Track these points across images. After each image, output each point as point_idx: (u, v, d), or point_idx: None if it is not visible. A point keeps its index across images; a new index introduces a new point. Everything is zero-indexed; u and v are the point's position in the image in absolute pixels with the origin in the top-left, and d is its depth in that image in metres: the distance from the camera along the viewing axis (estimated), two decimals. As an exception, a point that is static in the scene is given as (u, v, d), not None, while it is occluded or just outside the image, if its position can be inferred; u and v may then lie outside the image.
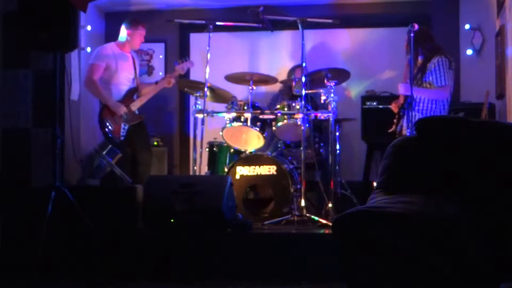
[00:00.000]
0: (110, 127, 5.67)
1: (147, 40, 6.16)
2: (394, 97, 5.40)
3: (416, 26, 4.90)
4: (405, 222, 2.32)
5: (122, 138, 5.72)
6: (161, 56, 7.36)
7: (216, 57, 6.06)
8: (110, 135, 5.66)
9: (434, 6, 6.95)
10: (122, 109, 5.70)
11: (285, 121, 5.51)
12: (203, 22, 5.84)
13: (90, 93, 5.91)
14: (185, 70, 6.14)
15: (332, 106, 5.42)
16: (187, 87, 5.96)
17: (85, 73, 5.79)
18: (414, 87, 4.93)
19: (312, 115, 5.51)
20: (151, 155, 6.05)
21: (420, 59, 5.16)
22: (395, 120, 5.27)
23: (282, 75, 6.68)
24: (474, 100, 6.03)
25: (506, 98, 5.43)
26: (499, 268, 2.30)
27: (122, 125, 5.72)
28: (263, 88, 6.76)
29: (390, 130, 5.31)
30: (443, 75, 5.04)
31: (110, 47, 5.86)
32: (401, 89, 5.16)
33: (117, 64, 5.75)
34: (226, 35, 6.94)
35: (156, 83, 6.10)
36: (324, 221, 4.99)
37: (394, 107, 5.34)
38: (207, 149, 5.90)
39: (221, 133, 5.62)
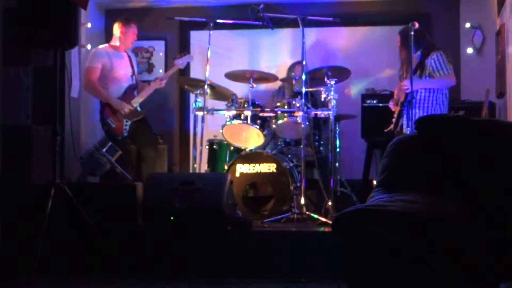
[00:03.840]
0: (112, 125, 5.69)
1: (147, 37, 6.14)
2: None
3: (417, 25, 4.90)
4: (405, 221, 2.32)
5: (125, 134, 5.74)
6: (161, 54, 7.34)
7: (216, 55, 6.06)
8: (113, 133, 5.68)
9: (435, 5, 6.95)
10: (126, 107, 5.71)
11: (285, 119, 5.51)
12: (204, 19, 5.84)
13: (91, 95, 5.94)
14: (184, 65, 6.13)
15: (332, 104, 5.42)
16: (187, 84, 5.96)
17: (83, 77, 5.80)
18: (419, 80, 4.97)
19: (312, 113, 5.51)
20: (156, 150, 6.05)
21: (414, 57, 5.16)
22: (393, 120, 5.26)
23: (282, 73, 6.67)
24: (474, 99, 6.02)
25: (507, 97, 5.43)
26: (499, 268, 2.30)
27: (125, 122, 5.72)
28: (263, 86, 6.76)
29: (386, 129, 5.30)
30: (445, 65, 5.13)
31: (104, 48, 5.92)
32: (407, 86, 5.12)
33: (111, 63, 5.77)
34: (226, 32, 6.93)
35: (149, 83, 6.09)
36: (324, 219, 5.00)
37: (393, 106, 5.33)
38: (207, 147, 5.90)
39: (221, 130, 5.62)
